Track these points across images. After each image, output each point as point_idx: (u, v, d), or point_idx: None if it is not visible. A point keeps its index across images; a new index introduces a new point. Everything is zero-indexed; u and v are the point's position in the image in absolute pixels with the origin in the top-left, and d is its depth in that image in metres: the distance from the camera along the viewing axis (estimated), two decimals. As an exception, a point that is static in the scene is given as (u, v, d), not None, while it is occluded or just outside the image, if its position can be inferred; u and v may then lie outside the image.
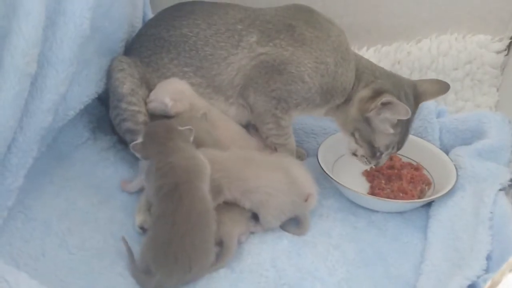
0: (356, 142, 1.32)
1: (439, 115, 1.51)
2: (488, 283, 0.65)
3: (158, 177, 1.09)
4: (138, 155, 1.14)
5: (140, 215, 1.20)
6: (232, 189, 1.16)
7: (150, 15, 1.54)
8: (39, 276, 1.01)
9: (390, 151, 1.33)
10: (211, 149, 1.20)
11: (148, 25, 1.42)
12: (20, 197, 1.13)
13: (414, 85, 1.33)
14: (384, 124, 1.27)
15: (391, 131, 1.27)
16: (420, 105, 1.34)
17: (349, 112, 1.31)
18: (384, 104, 1.23)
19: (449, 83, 1.57)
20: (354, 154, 1.36)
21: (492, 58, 1.58)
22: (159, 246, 1.03)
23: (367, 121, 1.28)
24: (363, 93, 1.29)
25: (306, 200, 1.23)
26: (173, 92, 1.29)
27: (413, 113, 1.30)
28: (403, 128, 1.29)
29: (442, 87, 1.35)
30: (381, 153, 1.32)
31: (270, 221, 1.18)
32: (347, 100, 1.32)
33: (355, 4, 1.61)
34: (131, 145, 1.14)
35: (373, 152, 1.32)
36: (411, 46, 1.62)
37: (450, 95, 1.60)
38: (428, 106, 1.49)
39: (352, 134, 1.32)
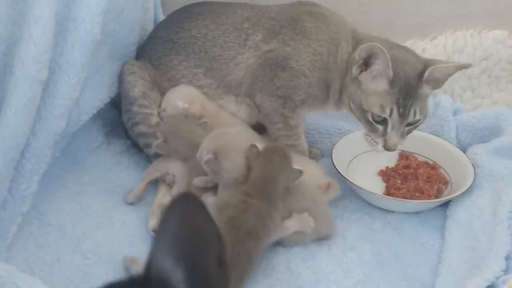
0: (353, 113, 1.23)
1: (455, 113, 1.49)
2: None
3: (236, 210, 1.05)
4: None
5: (153, 219, 1.20)
6: None
7: (162, 18, 1.54)
8: (54, 282, 1.02)
9: (395, 123, 1.18)
10: None
11: (158, 27, 1.43)
12: (35, 202, 1.14)
13: (427, 61, 1.21)
14: (378, 81, 1.17)
15: (386, 86, 1.16)
16: (429, 70, 1.17)
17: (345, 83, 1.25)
18: (366, 58, 1.16)
19: (465, 80, 1.57)
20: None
21: (509, 54, 1.55)
22: None
23: (356, 82, 1.20)
24: (352, 56, 1.23)
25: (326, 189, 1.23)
26: (185, 95, 1.29)
27: (419, 82, 1.18)
28: (402, 88, 1.16)
29: (457, 66, 1.22)
30: (377, 122, 1.19)
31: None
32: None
33: (368, 3, 1.60)
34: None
35: (366, 119, 1.20)
36: (426, 43, 1.60)
37: (466, 92, 1.58)
38: (444, 104, 1.47)
39: (349, 106, 1.23)
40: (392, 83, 1.16)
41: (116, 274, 1.07)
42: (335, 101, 1.30)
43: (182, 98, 1.29)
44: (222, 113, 1.33)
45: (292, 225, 1.11)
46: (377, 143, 1.22)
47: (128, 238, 1.16)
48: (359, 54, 1.17)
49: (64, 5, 1.12)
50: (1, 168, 1.01)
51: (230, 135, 1.20)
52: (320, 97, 1.29)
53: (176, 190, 1.24)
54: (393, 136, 1.20)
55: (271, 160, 1.12)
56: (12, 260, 1.05)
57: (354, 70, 1.19)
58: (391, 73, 1.15)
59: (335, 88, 1.28)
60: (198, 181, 1.20)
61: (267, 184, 1.10)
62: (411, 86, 1.17)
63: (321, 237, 1.17)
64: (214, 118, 1.30)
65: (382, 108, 1.17)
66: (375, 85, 1.18)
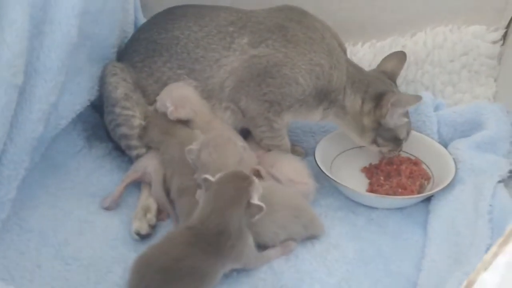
0: (380, 146, 1.34)
1: (436, 108, 1.49)
2: (464, 283, 0.63)
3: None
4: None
5: (136, 222, 1.20)
6: None
7: (142, 19, 1.53)
8: (35, 288, 1.01)
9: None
10: None
11: (141, 29, 1.42)
12: (15, 208, 1.13)
13: (382, 71, 1.38)
14: (400, 118, 1.30)
15: (406, 119, 1.31)
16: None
17: (361, 126, 1.32)
18: (393, 104, 1.26)
19: (445, 75, 1.58)
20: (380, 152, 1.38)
21: (488, 48, 1.55)
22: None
23: (384, 125, 1.30)
24: (367, 107, 1.30)
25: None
26: (176, 97, 1.28)
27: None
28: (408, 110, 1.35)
29: (400, 57, 1.41)
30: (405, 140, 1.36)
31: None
32: (340, 105, 1.32)
33: (348, 0, 1.60)
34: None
35: (399, 144, 1.35)
36: (406, 39, 1.60)
37: (447, 87, 1.58)
38: (425, 100, 1.47)
39: (374, 142, 1.33)
40: (407, 113, 1.33)
41: (98, 279, 1.06)
42: (324, 109, 1.32)
43: (172, 100, 1.28)
44: (214, 120, 1.31)
45: (274, 253, 1.11)
46: (397, 152, 1.38)
47: (110, 242, 1.15)
48: (386, 105, 1.27)
49: (39, 8, 1.10)
50: (-22, 174, 1.00)
51: (221, 131, 1.25)
52: (311, 103, 1.30)
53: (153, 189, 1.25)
54: None
55: (221, 194, 1.01)
56: (-8, 268, 1.04)
57: (388, 117, 1.29)
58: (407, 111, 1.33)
59: (329, 99, 1.31)
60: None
61: (214, 226, 0.99)
62: None
63: (311, 237, 1.17)
64: (205, 125, 1.29)
65: (408, 132, 1.36)
66: (399, 121, 1.31)
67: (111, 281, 1.05)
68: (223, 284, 1.05)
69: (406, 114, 1.32)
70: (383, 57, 1.47)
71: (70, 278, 1.05)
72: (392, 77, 1.37)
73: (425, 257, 1.11)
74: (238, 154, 1.16)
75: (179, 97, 1.28)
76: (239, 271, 1.07)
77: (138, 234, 1.17)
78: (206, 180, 1.03)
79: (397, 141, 1.34)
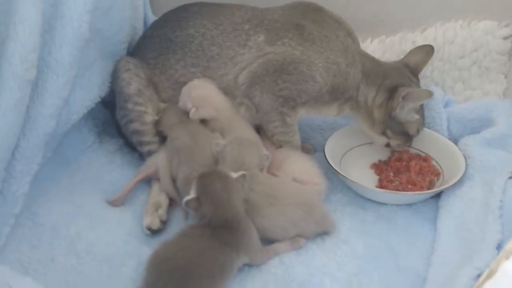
0: (389, 138, 1.35)
1: (446, 105, 1.49)
2: (486, 272, 0.64)
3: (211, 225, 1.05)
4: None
5: (147, 217, 1.20)
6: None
7: (151, 16, 1.54)
8: (48, 282, 1.03)
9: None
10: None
11: (154, 26, 1.42)
12: (27, 203, 1.14)
13: (405, 64, 1.38)
14: (410, 113, 1.31)
15: (417, 116, 1.32)
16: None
17: (372, 118, 1.33)
18: (404, 97, 1.27)
19: (456, 72, 1.58)
20: (387, 145, 1.39)
21: (499, 44, 1.55)
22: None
23: (394, 118, 1.31)
24: (379, 99, 1.32)
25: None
26: (195, 98, 1.29)
27: (419, 88, 1.37)
28: (422, 108, 1.35)
29: (427, 51, 1.41)
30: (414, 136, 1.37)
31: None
32: (354, 100, 1.33)
33: (357, -4, 1.60)
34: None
35: (408, 139, 1.36)
36: (416, 35, 1.59)
37: (457, 84, 1.58)
38: (435, 96, 1.46)
39: (383, 133, 1.35)
40: (418, 110, 1.33)
41: (110, 273, 1.07)
42: (340, 110, 1.35)
43: (193, 101, 1.29)
44: (236, 117, 1.32)
45: (282, 247, 1.12)
46: (407, 146, 1.40)
47: (122, 236, 1.16)
48: (397, 98, 1.28)
49: (51, 4, 1.11)
50: (-8, 169, 1.01)
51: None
52: (326, 100, 1.31)
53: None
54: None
55: (210, 197, 1.06)
56: (5, 261, 1.05)
57: (398, 111, 1.30)
58: (419, 107, 1.33)
59: (345, 95, 1.32)
60: None
61: (224, 218, 1.04)
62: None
63: (321, 233, 1.17)
64: (227, 121, 1.30)
65: (418, 131, 1.37)
66: (409, 117, 1.32)
67: (124, 275, 1.06)
68: (236, 278, 1.05)
69: (418, 112, 1.33)
70: (392, 53, 1.47)
71: (83, 272, 1.06)
72: (415, 70, 1.37)
73: (434, 253, 1.11)
74: (256, 158, 1.21)
75: (199, 97, 1.28)
76: (250, 265, 1.08)
77: (149, 229, 1.18)
78: (189, 202, 1.06)
79: (406, 136, 1.35)
